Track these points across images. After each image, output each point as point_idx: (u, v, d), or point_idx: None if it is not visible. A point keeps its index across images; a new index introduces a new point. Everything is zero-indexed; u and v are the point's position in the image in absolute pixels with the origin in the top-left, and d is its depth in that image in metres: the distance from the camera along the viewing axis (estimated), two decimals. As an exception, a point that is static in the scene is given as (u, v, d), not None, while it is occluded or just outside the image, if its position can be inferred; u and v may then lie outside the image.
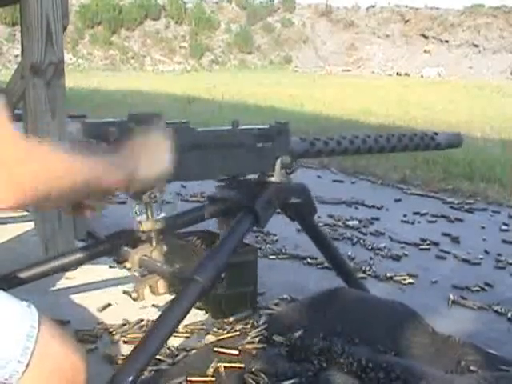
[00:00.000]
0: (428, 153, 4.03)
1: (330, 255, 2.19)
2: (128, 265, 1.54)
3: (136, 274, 1.54)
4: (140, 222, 1.52)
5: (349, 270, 2.25)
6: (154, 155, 1.21)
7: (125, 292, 2.38)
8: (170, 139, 1.25)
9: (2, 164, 0.89)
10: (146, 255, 1.52)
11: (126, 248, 1.58)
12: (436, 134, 2.23)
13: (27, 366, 0.96)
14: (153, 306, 2.25)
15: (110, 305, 2.32)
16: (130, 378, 1.39)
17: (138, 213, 1.52)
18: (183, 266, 2.10)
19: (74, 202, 1.21)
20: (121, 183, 1.12)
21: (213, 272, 1.59)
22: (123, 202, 2.12)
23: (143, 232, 1.52)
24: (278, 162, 1.79)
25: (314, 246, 2.13)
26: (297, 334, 1.93)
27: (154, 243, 1.52)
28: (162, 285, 1.50)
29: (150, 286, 1.51)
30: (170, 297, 2.15)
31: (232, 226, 1.74)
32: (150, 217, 1.50)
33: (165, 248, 1.54)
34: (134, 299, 1.47)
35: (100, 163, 1.07)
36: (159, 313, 1.56)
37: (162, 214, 1.53)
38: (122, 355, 1.89)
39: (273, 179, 1.80)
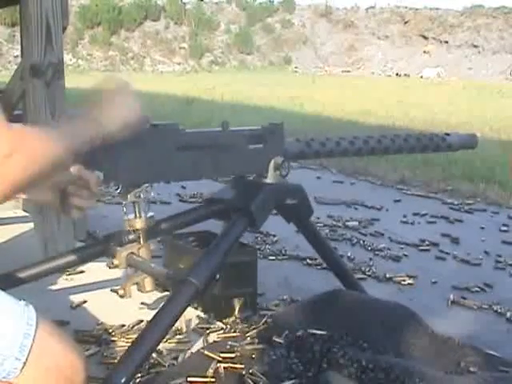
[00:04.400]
0: (428, 153, 4.04)
1: (327, 256, 2.19)
2: (115, 262, 1.55)
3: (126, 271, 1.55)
4: (125, 221, 1.52)
5: (346, 271, 2.24)
6: (119, 104, 1.25)
7: (112, 290, 2.36)
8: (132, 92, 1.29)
9: None
10: (133, 253, 1.53)
11: (118, 247, 1.59)
12: (448, 134, 2.20)
13: (25, 363, 0.97)
14: (151, 307, 2.25)
15: (85, 301, 2.31)
16: (123, 379, 1.39)
17: (127, 211, 1.53)
18: (182, 267, 2.09)
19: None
20: (91, 139, 1.15)
21: (207, 273, 1.59)
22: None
23: (131, 230, 1.53)
24: (272, 163, 1.78)
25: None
26: (297, 335, 1.93)
27: (141, 241, 1.52)
28: (148, 282, 1.51)
29: (137, 284, 1.51)
30: (158, 294, 2.14)
31: (227, 227, 1.74)
32: (136, 215, 1.51)
33: (152, 246, 1.55)
34: (121, 296, 1.48)
35: (69, 131, 1.12)
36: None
37: (151, 213, 1.53)
38: (120, 356, 1.88)
39: (267, 180, 1.79)
